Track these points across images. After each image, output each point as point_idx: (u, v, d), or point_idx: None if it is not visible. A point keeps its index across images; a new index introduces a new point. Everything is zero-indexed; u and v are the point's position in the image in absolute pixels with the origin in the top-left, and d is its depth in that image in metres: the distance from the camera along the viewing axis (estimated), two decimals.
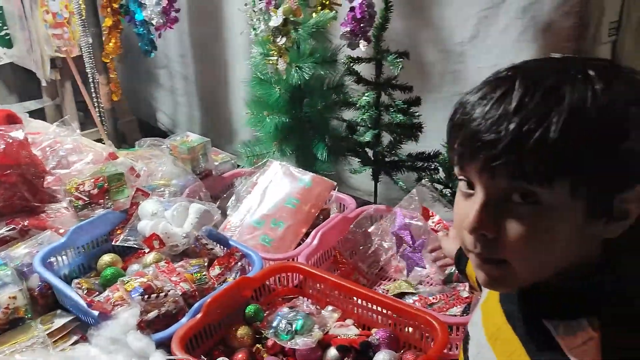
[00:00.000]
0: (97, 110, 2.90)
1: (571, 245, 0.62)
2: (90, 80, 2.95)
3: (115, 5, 2.57)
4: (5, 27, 3.46)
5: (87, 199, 1.63)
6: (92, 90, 2.95)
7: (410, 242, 1.51)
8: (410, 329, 1.24)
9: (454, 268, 1.41)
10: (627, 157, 0.58)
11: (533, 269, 0.64)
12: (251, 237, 1.66)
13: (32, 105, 3.53)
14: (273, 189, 1.75)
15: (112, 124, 3.11)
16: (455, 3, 2.17)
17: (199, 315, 1.28)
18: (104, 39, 2.75)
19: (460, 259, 1.15)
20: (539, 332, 0.67)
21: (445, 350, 1.18)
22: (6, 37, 3.48)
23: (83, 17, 2.79)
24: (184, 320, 1.28)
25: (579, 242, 0.63)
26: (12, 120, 1.94)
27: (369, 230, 1.65)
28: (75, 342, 1.36)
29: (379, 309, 1.31)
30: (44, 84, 3.37)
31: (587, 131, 0.57)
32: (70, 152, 1.89)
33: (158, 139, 2.07)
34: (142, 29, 2.60)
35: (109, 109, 2.96)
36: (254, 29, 1.86)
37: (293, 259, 1.51)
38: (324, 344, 1.29)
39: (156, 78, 3.68)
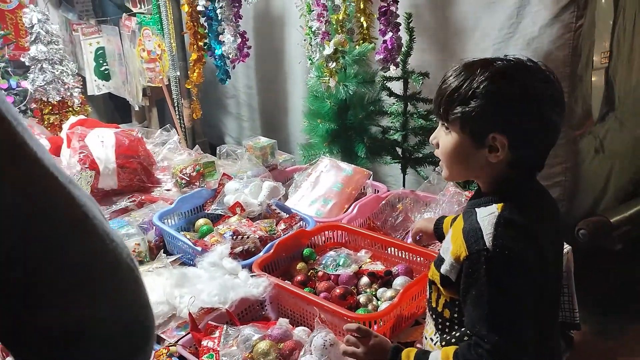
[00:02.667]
0: (181, 128, 3.53)
1: (472, 162, 1.16)
2: (175, 104, 3.60)
3: (201, 43, 3.21)
4: (105, 64, 4.19)
5: (187, 179, 2.21)
6: (177, 112, 3.59)
7: None
8: (421, 258, 1.74)
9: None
10: (489, 114, 1.10)
11: (451, 170, 1.22)
12: (307, 211, 2.18)
13: (125, 127, 4.22)
14: (323, 177, 2.29)
15: (191, 144, 3.73)
16: (474, 38, 2.68)
17: (271, 252, 1.81)
18: (189, 70, 3.39)
19: (437, 228, 1.60)
20: (470, 212, 1.18)
21: None
22: (105, 72, 4.21)
23: (173, 54, 3.46)
24: (260, 254, 1.81)
25: (480, 163, 1.14)
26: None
27: (397, 206, 2.15)
28: None
29: (397, 251, 1.81)
30: (136, 109, 4.06)
31: (470, 98, 1.11)
32: (172, 150, 2.48)
33: (232, 146, 2.66)
34: (220, 62, 3.21)
35: (189, 127, 3.59)
36: (310, 59, 2.44)
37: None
38: (359, 275, 1.79)
39: (225, 106, 4.31)
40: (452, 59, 2.69)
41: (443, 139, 1.19)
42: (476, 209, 1.15)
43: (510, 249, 1.07)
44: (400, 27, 2.29)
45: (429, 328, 1.31)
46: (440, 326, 1.26)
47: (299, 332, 1.54)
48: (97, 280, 0.60)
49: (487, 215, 1.12)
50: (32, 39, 2.87)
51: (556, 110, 1.12)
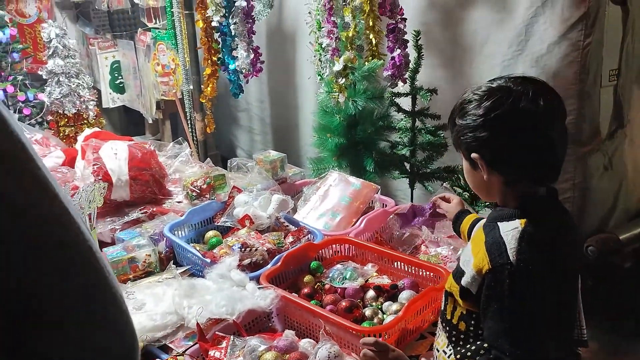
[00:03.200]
0: (193, 141, 3.59)
1: (478, 181, 1.22)
2: (188, 117, 3.66)
3: (215, 58, 3.27)
4: (120, 77, 4.28)
5: (198, 191, 2.25)
6: (189, 126, 3.65)
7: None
8: (427, 272, 1.75)
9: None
10: (468, 134, 1.17)
11: (473, 188, 1.22)
12: (315, 224, 2.21)
13: (138, 140, 4.29)
14: (332, 190, 2.31)
15: (203, 156, 3.78)
16: (483, 54, 2.72)
17: (278, 264, 1.83)
18: (202, 84, 3.45)
19: (456, 220, 1.66)
20: (493, 226, 1.19)
21: None
22: (120, 85, 4.30)
23: (187, 68, 3.52)
24: (268, 266, 1.84)
25: (483, 183, 1.21)
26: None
27: None
28: None
29: (403, 265, 1.83)
30: (150, 122, 4.12)
31: (457, 118, 1.18)
32: (184, 163, 2.53)
33: (244, 159, 2.70)
34: (233, 76, 3.27)
35: (202, 140, 3.65)
36: (319, 74, 2.48)
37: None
38: (365, 288, 1.80)
39: (237, 120, 4.37)
40: (461, 76, 2.72)
41: (463, 161, 1.25)
42: (498, 223, 1.17)
43: (533, 264, 1.09)
44: (408, 44, 2.33)
45: (441, 340, 1.31)
46: (454, 339, 1.26)
47: (305, 343, 1.56)
48: (98, 310, 0.62)
49: (511, 230, 1.14)
50: (50, 52, 2.94)
51: (540, 127, 1.14)
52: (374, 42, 2.35)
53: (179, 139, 2.67)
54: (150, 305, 1.63)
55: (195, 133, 3.63)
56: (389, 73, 2.29)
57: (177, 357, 1.50)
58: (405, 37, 2.38)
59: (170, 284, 1.81)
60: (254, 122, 4.21)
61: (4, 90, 3.15)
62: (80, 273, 0.61)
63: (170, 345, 1.56)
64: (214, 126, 3.52)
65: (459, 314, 1.25)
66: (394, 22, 2.33)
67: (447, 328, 1.28)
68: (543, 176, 1.20)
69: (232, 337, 1.53)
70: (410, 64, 2.24)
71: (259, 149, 4.24)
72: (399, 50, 2.28)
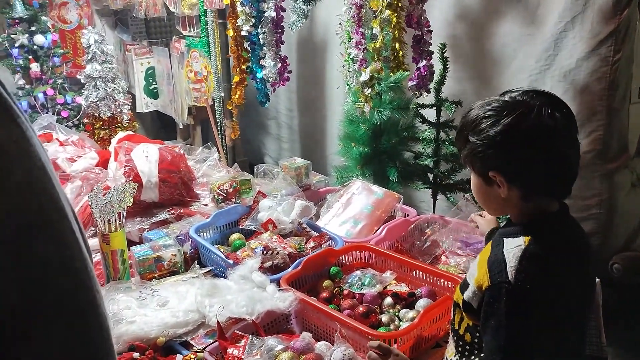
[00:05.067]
0: (222, 146, 3.67)
1: (492, 199, 1.22)
2: (219, 123, 3.75)
3: (243, 67, 3.35)
4: (154, 83, 4.40)
5: (224, 195, 2.31)
6: (219, 132, 3.74)
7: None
8: (446, 282, 1.77)
9: None
10: (482, 152, 1.16)
11: (485, 208, 1.27)
12: (337, 231, 2.24)
13: (169, 144, 4.40)
14: (355, 198, 2.35)
15: (231, 162, 3.86)
16: (511, 68, 2.73)
17: (299, 268, 1.87)
18: (231, 92, 3.53)
19: (488, 237, 1.63)
20: (498, 241, 1.21)
21: None
22: (154, 91, 4.42)
23: (219, 75, 3.61)
24: (288, 270, 1.88)
25: (498, 199, 1.19)
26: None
27: (426, 231, 2.19)
28: None
29: (422, 274, 1.85)
30: (180, 127, 4.23)
31: (470, 135, 1.18)
32: (212, 168, 2.60)
33: (270, 165, 2.76)
34: (260, 85, 3.32)
35: (231, 146, 3.73)
36: (348, 84, 2.53)
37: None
38: (383, 295, 1.82)
39: (266, 127, 4.45)
40: (488, 89, 2.73)
41: (471, 178, 1.26)
42: (504, 238, 1.18)
43: (532, 284, 1.09)
44: (432, 55, 2.37)
45: (450, 349, 1.33)
46: (460, 349, 1.29)
47: (321, 346, 1.58)
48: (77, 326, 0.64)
49: (514, 248, 1.15)
50: (89, 57, 3.07)
51: (559, 140, 1.15)
52: (400, 53, 2.38)
53: (208, 143, 2.75)
54: (174, 303, 1.68)
55: (225, 139, 3.71)
56: (414, 83, 2.33)
57: (197, 353, 1.55)
58: (431, 49, 2.41)
59: (193, 283, 1.86)
60: (282, 130, 4.28)
61: (44, 93, 3.30)
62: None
63: (190, 341, 1.61)
64: (239, 132, 3.58)
65: (465, 325, 1.27)
66: (420, 33, 2.36)
67: (455, 338, 1.30)
68: (560, 190, 1.21)
69: (250, 336, 1.57)
70: (435, 75, 2.27)
71: (286, 156, 4.30)
72: (424, 62, 2.31)
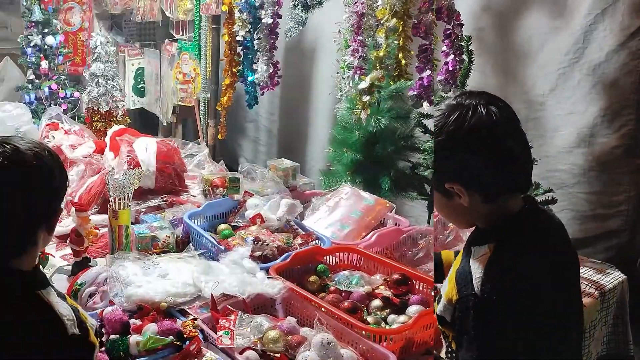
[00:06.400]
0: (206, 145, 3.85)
1: (457, 211, 1.16)
2: (201, 123, 3.93)
3: (235, 70, 3.50)
4: (142, 82, 4.55)
5: (215, 188, 2.50)
6: (202, 131, 3.92)
7: None
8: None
9: None
10: (437, 170, 1.18)
11: (452, 221, 1.30)
12: (322, 232, 2.24)
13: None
14: (343, 203, 2.35)
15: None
16: (538, 62, 2.66)
17: (287, 260, 1.97)
18: (220, 94, 3.68)
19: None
20: (468, 250, 1.20)
21: None
22: (141, 89, 4.57)
23: (207, 78, 3.80)
24: (277, 261, 1.99)
25: (461, 210, 1.15)
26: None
27: (419, 242, 2.17)
28: None
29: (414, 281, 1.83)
30: (164, 124, 4.39)
31: (436, 163, 1.17)
32: (201, 162, 2.79)
33: (254, 165, 2.93)
34: (250, 88, 3.44)
35: (211, 145, 3.88)
36: (341, 90, 2.54)
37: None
38: (371, 297, 1.81)
39: (244, 130, 4.42)
40: (513, 83, 2.75)
41: (434, 200, 1.24)
42: (472, 247, 1.17)
43: (498, 294, 1.07)
44: (462, 50, 2.31)
45: (443, 355, 1.39)
46: (449, 355, 1.30)
47: (304, 331, 1.64)
48: None
49: (480, 257, 1.13)
50: (94, 57, 3.32)
51: (496, 135, 1.12)
52: (403, 62, 2.36)
53: (198, 140, 2.93)
54: (173, 275, 1.85)
55: (207, 138, 3.88)
56: (415, 93, 2.28)
57: (194, 320, 1.73)
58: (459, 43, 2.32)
59: (189, 262, 1.99)
60: (260, 132, 4.26)
61: (49, 87, 3.65)
62: None
63: (188, 310, 1.79)
64: (226, 133, 3.71)
65: (451, 334, 1.25)
66: (450, 27, 2.31)
67: (445, 344, 1.34)
68: (519, 182, 1.18)
69: (240, 312, 1.68)
70: (462, 69, 2.23)
71: (262, 160, 4.27)
72: (452, 56, 2.28)
